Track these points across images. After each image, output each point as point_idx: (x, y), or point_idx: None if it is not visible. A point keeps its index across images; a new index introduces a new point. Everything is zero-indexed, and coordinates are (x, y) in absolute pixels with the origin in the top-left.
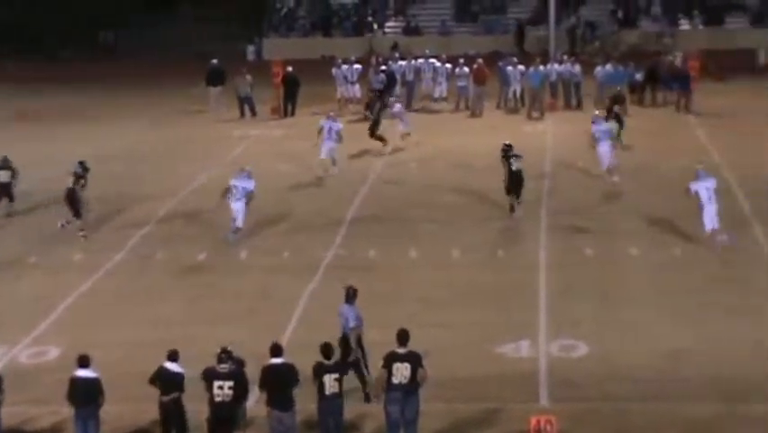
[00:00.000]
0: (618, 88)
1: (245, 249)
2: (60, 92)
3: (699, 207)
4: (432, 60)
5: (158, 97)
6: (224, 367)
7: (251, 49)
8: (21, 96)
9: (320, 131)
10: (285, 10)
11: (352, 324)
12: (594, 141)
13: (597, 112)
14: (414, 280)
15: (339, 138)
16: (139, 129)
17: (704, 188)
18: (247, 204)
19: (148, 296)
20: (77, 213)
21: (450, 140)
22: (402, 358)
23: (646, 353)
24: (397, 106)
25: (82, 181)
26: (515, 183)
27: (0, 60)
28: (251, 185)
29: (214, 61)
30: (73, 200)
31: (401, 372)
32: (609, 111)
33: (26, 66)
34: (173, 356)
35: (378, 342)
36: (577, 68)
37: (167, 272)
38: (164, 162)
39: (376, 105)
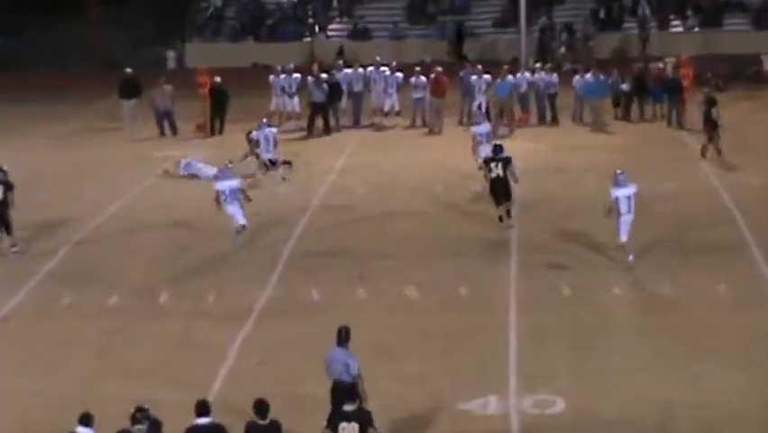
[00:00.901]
0: (709, 91)
1: (164, 290)
2: None
3: (617, 216)
4: (383, 69)
5: (61, 112)
6: (141, 429)
7: (171, 55)
8: None
9: (256, 144)
10: (211, 10)
11: (355, 371)
12: (475, 143)
13: (476, 109)
14: (363, 325)
15: (275, 143)
16: (39, 149)
17: (625, 197)
18: (241, 201)
19: (51, 346)
20: (8, 228)
21: (404, 161)
22: (349, 417)
23: (632, 407)
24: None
25: (9, 193)
26: (497, 192)
27: None
28: (235, 183)
29: (129, 71)
30: (3, 214)
31: None
32: (707, 119)
33: None
34: (86, 420)
35: (320, 398)
36: (554, 77)
37: (73, 318)
38: (69, 189)
39: (315, 120)
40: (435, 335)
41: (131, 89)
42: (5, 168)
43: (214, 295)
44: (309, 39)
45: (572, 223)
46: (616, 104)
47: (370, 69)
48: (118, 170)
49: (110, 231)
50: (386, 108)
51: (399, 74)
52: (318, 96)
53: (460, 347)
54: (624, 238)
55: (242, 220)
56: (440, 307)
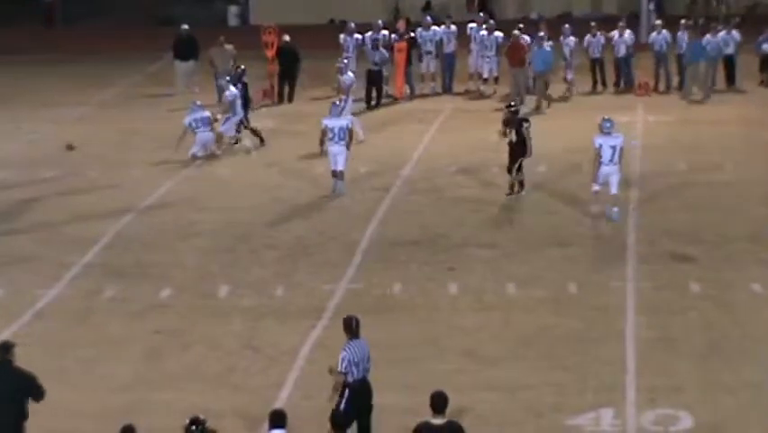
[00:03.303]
0: None
1: (224, 283)
2: None
3: (597, 165)
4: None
5: (105, 76)
6: None
7: (233, 10)
8: None
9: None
10: None
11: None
12: (342, 91)
13: (341, 63)
14: (455, 325)
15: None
16: (79, 119)
17: (609, 146)
18: (347, 146)
19: (93, 347)
20: None
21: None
22: (438, 431)
23: None
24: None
25: None
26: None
27: None
28: (345, 122)
29: (185, 27)
30: None
31: None
32: None
33: None
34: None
35: (403, 408)
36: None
37: (118, 315)
38: (113, 165)
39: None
40: (539, 338)
41: (187, 50)
42: None
43: (281, 289)
44: None
45: (705, 209)
46: (763, 67)
47: (472, 26)
48: (169, 144)
49: (160, 214)
50: (485, 74)
51: (498, 33)
52: (376, 59)
53: (567, 353)
54: (597, 188)
55: (341, 165)
56: (545, 305)
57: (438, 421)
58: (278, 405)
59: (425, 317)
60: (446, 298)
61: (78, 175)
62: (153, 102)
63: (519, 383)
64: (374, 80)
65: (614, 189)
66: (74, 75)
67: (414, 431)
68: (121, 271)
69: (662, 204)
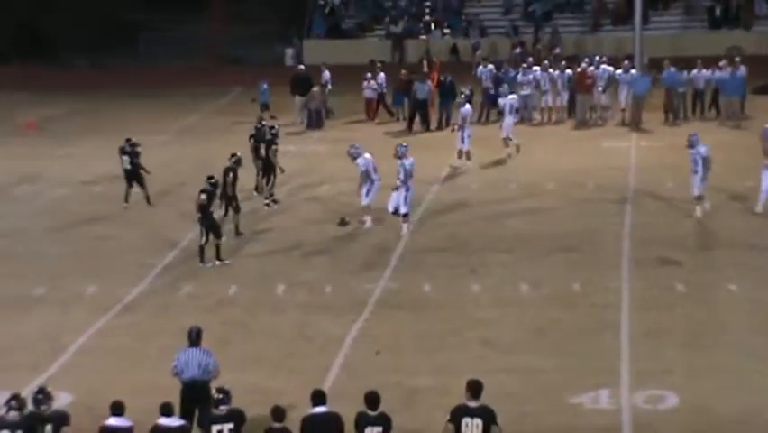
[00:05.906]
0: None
1: (282, 283)
2: (72, 101)
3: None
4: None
5: (182, 109)
6: (223, 409)
7: (289, 52)
8: (25, 106)
9: None
10: (329, 7)
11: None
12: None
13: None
14: (476, 319)
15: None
16: (161, 145)
17: (408, 165)
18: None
19: (171, 335)
20: (141, 184)
21: (515, 159)
22: (474, 413)
23: (747, 406)
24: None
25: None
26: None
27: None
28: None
29: (301, 67)
30: (134, 176)
31: (471, 429)
32: None
33: (34, 71)
34: (166, 410)
35: (433, 389)
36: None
37: (193, 308)
38: (192, 183)
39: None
40: (548, 330)
41: (304, 85)
42: (134, 139)
43: (330, 287)
44: (425, 37)
45: (688, 221)
46: None
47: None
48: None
49: (230, 223)
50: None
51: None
52: (422, 94)
53: (572, 342)
54: (391, 208)
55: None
56: (552, 302)
57: (474, 404)
58: (325, 386)
59: (451, 312)
60: (468, 295)
61: (161, 190)
62: (224, 130)
63: (531, 368)
64: (418, 109)
65: (392, 207)
66: (155, 107)
67: (452, 411)
68: (195, 271)
69: (652, 216)
